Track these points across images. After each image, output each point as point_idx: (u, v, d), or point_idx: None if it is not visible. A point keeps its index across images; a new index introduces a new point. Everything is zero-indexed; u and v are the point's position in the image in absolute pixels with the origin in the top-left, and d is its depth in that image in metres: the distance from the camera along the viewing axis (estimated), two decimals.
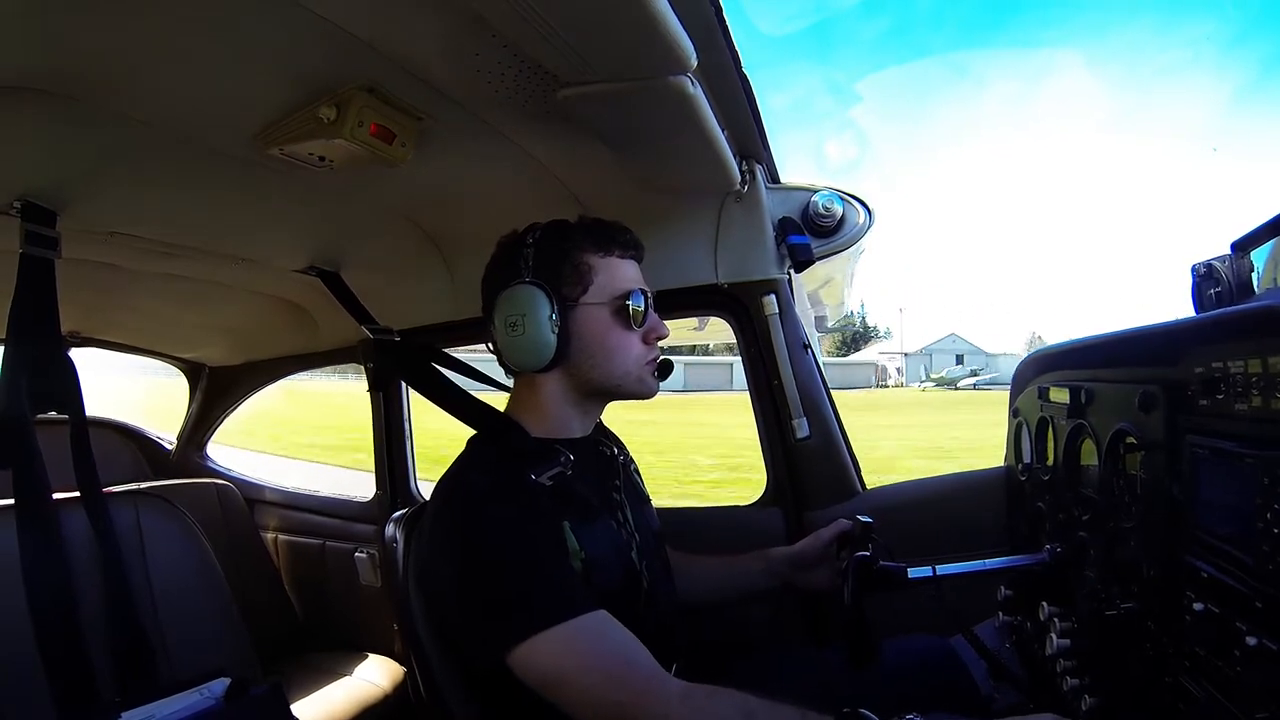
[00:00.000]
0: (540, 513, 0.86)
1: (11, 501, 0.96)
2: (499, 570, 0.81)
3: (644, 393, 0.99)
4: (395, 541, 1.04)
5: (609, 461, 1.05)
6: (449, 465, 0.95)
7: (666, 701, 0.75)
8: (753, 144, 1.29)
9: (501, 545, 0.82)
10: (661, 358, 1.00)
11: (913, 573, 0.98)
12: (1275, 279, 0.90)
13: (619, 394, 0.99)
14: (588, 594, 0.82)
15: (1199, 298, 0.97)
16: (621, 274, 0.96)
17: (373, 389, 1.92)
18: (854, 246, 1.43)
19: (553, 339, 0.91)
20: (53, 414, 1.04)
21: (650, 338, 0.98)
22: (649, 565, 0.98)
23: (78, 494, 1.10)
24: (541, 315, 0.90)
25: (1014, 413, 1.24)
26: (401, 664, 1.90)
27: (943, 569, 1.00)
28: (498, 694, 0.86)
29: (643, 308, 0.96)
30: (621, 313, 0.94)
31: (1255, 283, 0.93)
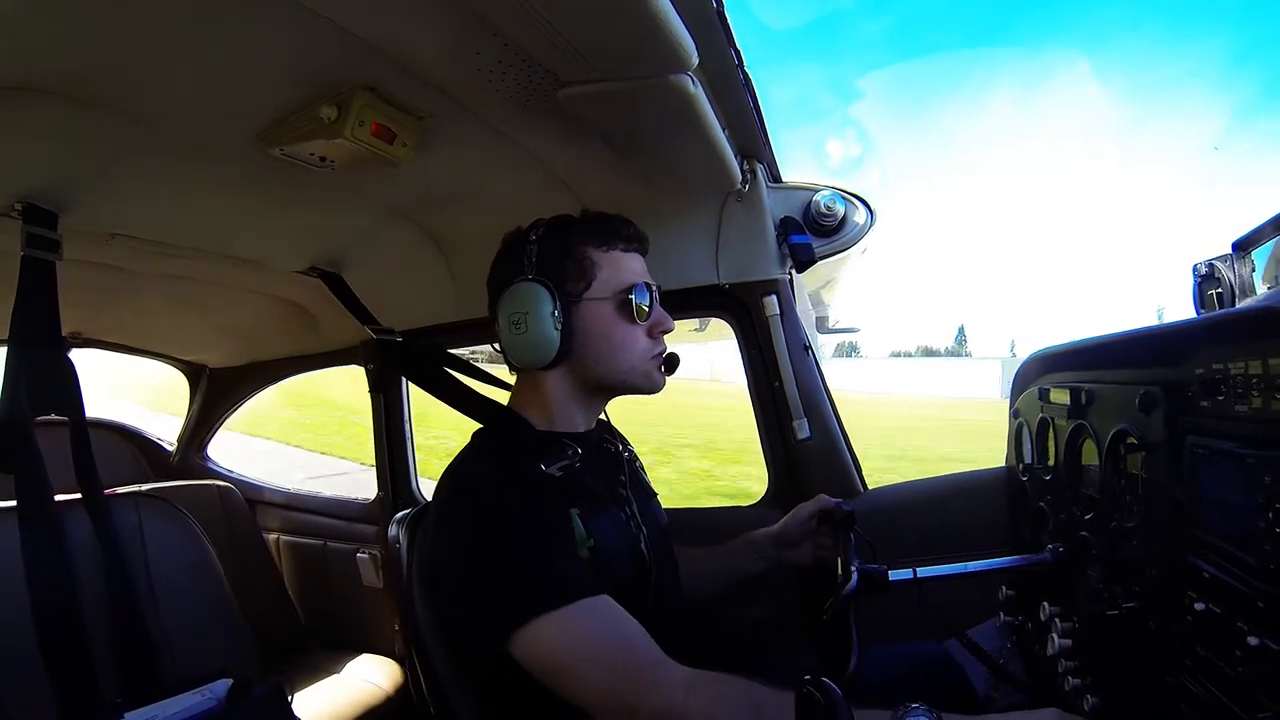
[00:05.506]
0: (546, 498, 0.85)
1: (13, 503, 0.96)
2: (501, 554, 0.80)
3: (650, 387, 0.97)
4: (398, 542, 1.05)
5: (614, 457, 1.04)
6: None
7: (671, 688, 0.73)
8: (754, 143, 1.29)
9: (504, 529, 0.81)
10: (668, 351, 0.99)
11: (894, 575, 0.96)
12: (1276, 278, 0.90)
13: (624, 389, 0.98)
14: (592, 580, 0.80)
15: (1200, 298, 0.97)
16: (625, 268, 0.95)
17: (374, 390, 1.92)
18: (856, 246, 1.43)
19: (556, 336, 0.90)
20: (53, 415, 1.04)
21: (655, 331, 0.96)
22: (657, 559, 0.97)
23: (79, 495, 1.11)
24: (544, 312, 0.90)
25: (1014, 414, 1.24)
26: (402, 665, 1.90)
27: (924, 571, 0.98)
28: (499, 694, 0.86)
29: (647, 302, 0.94)
30: (625, 307, 0.93)
31: (1256, 282, 0.93)
